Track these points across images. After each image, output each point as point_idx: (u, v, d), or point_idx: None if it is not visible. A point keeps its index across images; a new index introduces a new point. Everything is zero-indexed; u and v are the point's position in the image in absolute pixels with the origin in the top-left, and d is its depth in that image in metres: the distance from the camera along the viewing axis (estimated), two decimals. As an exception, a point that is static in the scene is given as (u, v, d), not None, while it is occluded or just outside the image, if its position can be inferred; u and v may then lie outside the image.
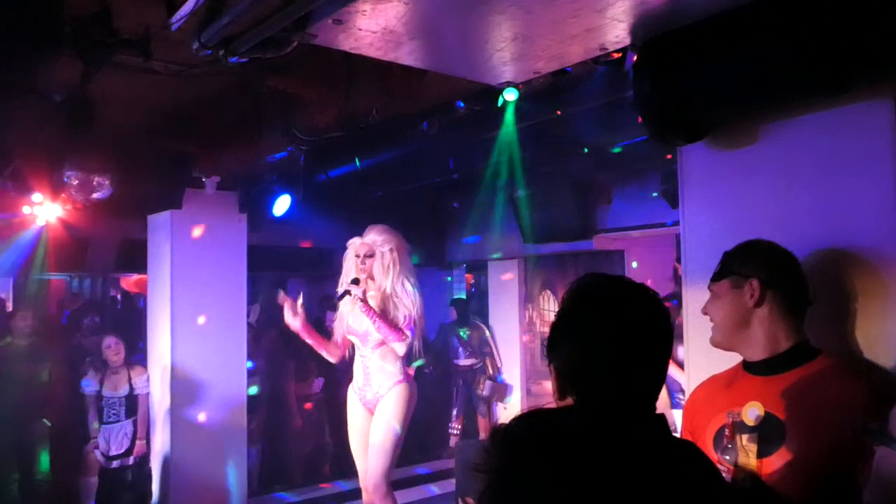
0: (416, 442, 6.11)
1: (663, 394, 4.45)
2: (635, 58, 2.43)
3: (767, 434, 1.68)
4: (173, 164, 5.00)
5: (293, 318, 3.74)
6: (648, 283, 1.30)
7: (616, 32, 2.32)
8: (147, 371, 5.41)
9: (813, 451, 1.62)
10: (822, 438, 1.62)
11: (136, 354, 5.78)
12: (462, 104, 3.90)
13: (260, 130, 4.18)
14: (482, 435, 7.16)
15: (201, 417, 5.41)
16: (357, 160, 4.63)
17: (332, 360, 3.98)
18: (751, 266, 1.81)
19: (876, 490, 1.63)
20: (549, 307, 7.31)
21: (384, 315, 3.67)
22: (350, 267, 3.81)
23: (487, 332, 7.31)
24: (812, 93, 2.04)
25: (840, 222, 2.02)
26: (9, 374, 5.14)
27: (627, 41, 2.39)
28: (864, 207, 1.97)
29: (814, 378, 1.71)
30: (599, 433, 1.15)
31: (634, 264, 6.07)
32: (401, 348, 3.69)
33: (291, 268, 7.69)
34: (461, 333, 7.24)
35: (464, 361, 7.21)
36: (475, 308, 7.84)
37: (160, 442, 5.40)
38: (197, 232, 5.46)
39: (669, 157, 3.53)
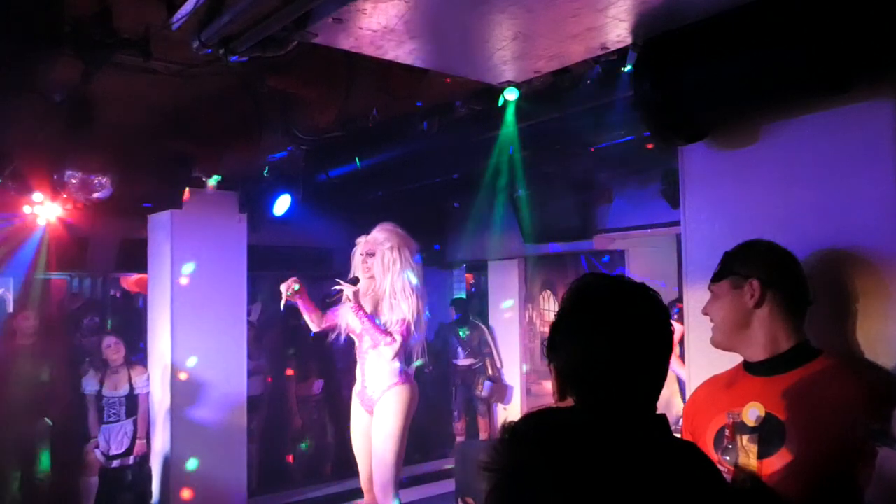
0: (416, 442, 6.10)
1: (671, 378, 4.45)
2: (636, 57, 2.42)
3: (768, 435, 1.68)
4: (173, 163, 5.00)
5: (290, 281, 3.70)
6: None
7: (617, 31, 2.32)
8: (147, 371, 5.42)
9: (813, 451, 1.62)
10: (822, 439, 1.62)
11: (137, 354, 5.78)
12: (462, 104, 3.89)
13: (260, 130, 4.18)
14: (482, 435, 7.16)
15: (201, 417, 5.41)
16: (357, 160, 4.62)
17: (313, 327, 3.92)
18: (751, 266, 1.80)
19: (878, 491, 1.63)
20: (550, 307, 7.32)
21: (376, 316, 3.63)
22: (356, 265, 3.77)
23: (487, 332, 7.30)
24: (813, 93, 2.04)
25: (841, 222, 2.01)
26: (9, 374, 5.14)
27: (628, 40, 2.39)
28: (864, 207, 1.97)
29: (814, 378, 1.71)
30: (605, 433, 1.15)
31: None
32: (388, 352, 3.62)
33: (291, 268, 7.67)
34: (460, 333, 7.24)
35: (463, 361, 7.21)
36: (475, 308, 7.84)
37: (160, 442, 5.41)
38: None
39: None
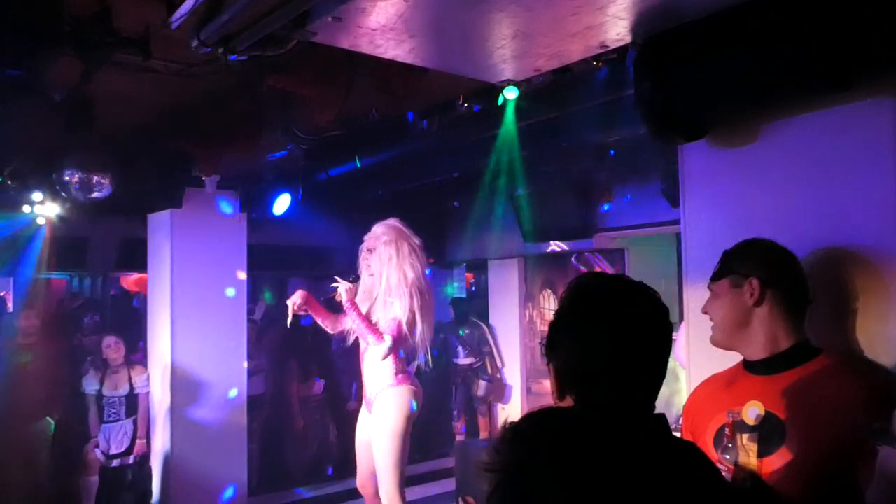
0: (417, 441, 6.10)
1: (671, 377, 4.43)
2: (636, 56, 2.42)
3: (768, 433, 1.68)
4: (173, 163, 5.00)
5: (297, 297, 3.59)
6: None
7: (617, 30, 2.32)
8: (147, 370, 5.42)
9: (813, 450, 1.62)
10: (822, 438, 1.62)
11: (137, 353, 5.79)
12: (462, 103, 3.89)
13: (260, 129, 4.18)
14: (482, 434, 7.16)
15: (201, 417, 5.41)
16: (357, 159, 4.63)
17: (329, 330, 3.81)
18: (750, 265, 1.80)
19: (880, 490, 1.62)
20: (550, 306, 7.31)
21: (369, 314, 3.54)
22: (360, 263, 3.69)
23: (487, 332, 7.30)
24: (813, 91, 2.03)
25: (841, 221, 2.01)
26: (10, 373, 5.14)
27: (628, 39, 2.38)
28: (865, 206, 1.96)
29: (814, 377, 1.71)
30: (605, 433, 1.14)
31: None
32: (378, 351, 3.50)
33: (291, 267, 7.69)
34: (460, 332, 7.24)
35: (463, 360, 7.20)
36: (475, 308, 7.84)
37: (160, 441, 5.41)
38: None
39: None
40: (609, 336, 1.19)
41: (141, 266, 5.89)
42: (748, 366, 1.82)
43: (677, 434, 1.48)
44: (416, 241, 3.64)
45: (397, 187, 5.24)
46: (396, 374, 3.56)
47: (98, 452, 5.13)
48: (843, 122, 2.02)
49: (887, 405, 1.63)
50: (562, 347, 1.24)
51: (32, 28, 2.66)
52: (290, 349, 6.58)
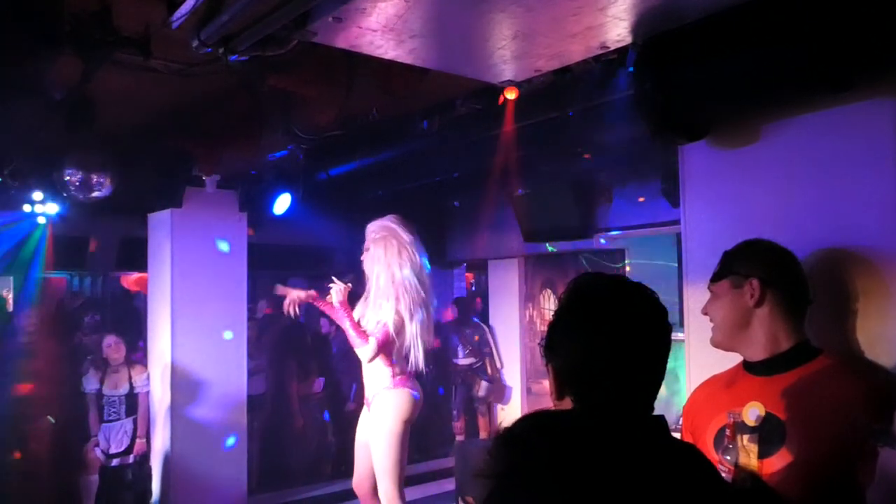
0: (416, 441, 6.10)
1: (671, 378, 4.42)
2: (636, 56, 2.42)
3: (768, 434, 1.68)
4: (173, 162, 5.00)
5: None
6: None
7: (617, 31, 2.32)
8: (147, 369, 5.42)
9: (814, 451, 1.62)
10: (822, 438, 1.62)
11: (137, 353, 5.79)
12: (462, 103, 3.88)
13: (260, 129, 4.18)
14: (482, 434, 7.16)
15: (201, 416, 5.41)
16: (357, 159, 4.62)
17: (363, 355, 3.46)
18: (751, 265, 1.80)
19: (880, 491, 1.62)
20: (550, 306, 7.31)
21: (363, 316, 3.48)
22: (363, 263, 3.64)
23: (487, 332, 7.30)
24: (814, 91, 2.03)
25: (841, 221, 2.01)
26: (10, 372, 5.15)
27: (628, 39, 2.38)
28: (865, 207, 1.96)
29: (814, 378, 1.71)
30: (602, 435, 1.14)
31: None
32: (363, 354, 3.41)
33: (291, 267, 7.70)
34: (460, 332, 7.24)
35: (463, 360, 7.21)
36: (475, 307, 7.84)
37: (160, 440, 5.41)
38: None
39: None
40: (608, 336, 1.19)
41: (141, 265, 5.89)
42: (748, 366, 1.82)
43: (677, 435, 1.48)
44: (407, 237, 3.51)
45: (397, 187, 5.23)
46: (394, 375, 3.50)
47: (98, 451, 5.13)
48: (844, 123, 2.02)
49: (888, 406, 1.62)
50: (561, 348, 1.24)
51: (32, 28, 2.66)
52: (290, 348, 6.58)
